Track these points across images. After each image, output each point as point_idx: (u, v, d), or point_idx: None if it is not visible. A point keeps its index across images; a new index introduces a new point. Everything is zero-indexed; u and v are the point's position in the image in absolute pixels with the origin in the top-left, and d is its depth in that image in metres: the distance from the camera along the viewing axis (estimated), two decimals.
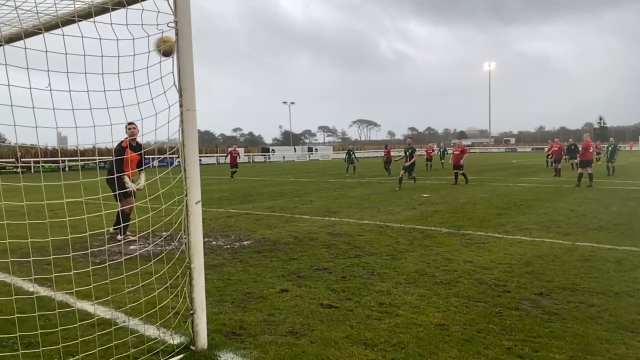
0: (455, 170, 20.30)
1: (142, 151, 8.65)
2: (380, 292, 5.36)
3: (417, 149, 20.19)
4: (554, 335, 4.12)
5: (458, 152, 20.73)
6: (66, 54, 3.26)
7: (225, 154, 33.51)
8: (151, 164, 9.23)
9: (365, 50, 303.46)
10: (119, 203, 8.22)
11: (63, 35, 3.31)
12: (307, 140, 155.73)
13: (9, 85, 3.13)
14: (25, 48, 3.19)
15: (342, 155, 77.78)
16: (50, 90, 3.25)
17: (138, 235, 8.42)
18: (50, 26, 3.81)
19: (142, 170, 8.68)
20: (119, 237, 8.49)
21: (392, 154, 28.72)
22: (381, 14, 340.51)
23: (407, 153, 19.33)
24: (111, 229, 8.68)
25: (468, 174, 21.08)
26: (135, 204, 8.12)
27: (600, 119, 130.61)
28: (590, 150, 18.53)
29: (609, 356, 3.72)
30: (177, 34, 3.67)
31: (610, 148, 24.22)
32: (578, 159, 18.27)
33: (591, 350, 3.83)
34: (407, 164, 19.02)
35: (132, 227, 8.74)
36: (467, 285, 5.60)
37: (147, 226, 8.43)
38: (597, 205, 12.62)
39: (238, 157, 28.74)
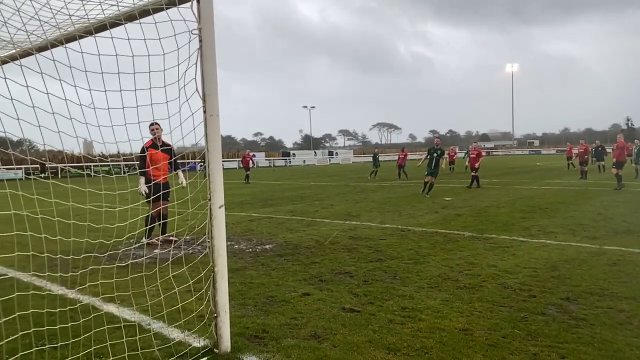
0: (472, 173, 20.12)
1: (174, 151, 8.69)
2: (403, 297, 5.32)
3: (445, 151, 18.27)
4: (582, 341, 4.04)
5: (474, 156, 20.57)
6: (101, 54, 3.35)
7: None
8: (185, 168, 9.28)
9: (384, 53, 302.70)
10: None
11: (97, 41, 3.40)
12: (327, 144, 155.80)
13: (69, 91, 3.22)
14: (82, 52, 3.28)
15: (362, 158, 77.82)
16: (94, 108, 3.35)
17: (162, 238, 8.52)
18: (71, 37, 3.92)
19: (179, 170, 8.79)
20: (143, 239, 8.61)
21: (408, 157, 28.69)
22: (399, 17, 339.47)
23: (435, 155, 17.04)
24: (159, 239, 8.68)
25: (490, 176, 20.85)
26: (164, 204, 8.18)
27: (628, 119, 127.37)
28: (625, 152, 18.20)
29: None
30: (200, 41, 3.73)
31: (636, 150, 23.68)
32: (613, 159, 17.86)
33: (620, 356, 3.74)
34: (443, 168, 17.88)
35: (157, 230, 8.85)
36: (491, 289, 5.52)
37: (171, 230, 8.56)
38: (625, 208, 12.33)
39: (251, 161, 29.25)
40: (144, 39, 3.57)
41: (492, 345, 3.97)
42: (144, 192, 8.21)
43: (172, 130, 3.87)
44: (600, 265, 6.47)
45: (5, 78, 3.26)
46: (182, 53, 3.75)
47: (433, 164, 16.92)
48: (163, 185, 8.36)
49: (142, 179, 8.39)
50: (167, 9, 3.65)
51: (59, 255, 4.02)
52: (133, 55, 3.54)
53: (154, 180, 8.36)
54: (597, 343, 3.98)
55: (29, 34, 3.76)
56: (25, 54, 4.00)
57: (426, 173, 17.01)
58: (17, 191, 3.42)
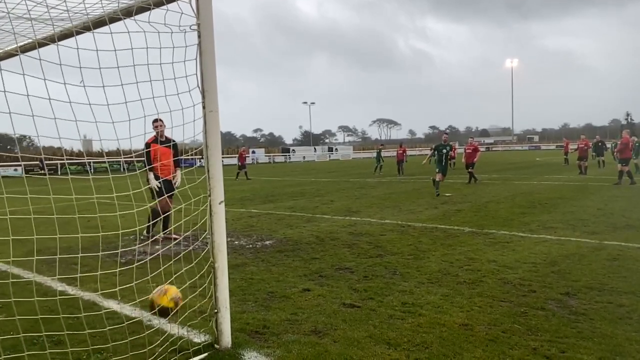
0: (467, 170, 20.01)
1: (176, 146, 8.65)
2: (403, 292, 5.33)
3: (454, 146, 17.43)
4: (582, 335, 4.05)
5: (470, 151, 20.49)
6: (108, 48, 3.34)
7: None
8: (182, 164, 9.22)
9: (383, 49, 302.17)
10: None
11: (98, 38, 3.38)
12: (327, 140, 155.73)
13: (65, 84, 3.21)
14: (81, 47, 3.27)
15: (362, 154, 77.85)
16: (84, 86, 3.33)
17: (164, 235, 8.53)
18: (73, 32, 3.90)
19: (178, 167, 8.76)
20: (144, 233, 8.63)
21: (407, 153, 28.86)
22: (398, 12, 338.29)
23: (444, 151, 15.98)
24: (144, 232, 8.74)
25: (490, 172, 20.85)
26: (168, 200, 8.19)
27: (628, 115, 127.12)
28: (630, 148, 18.01)
29: (638, 357, 3.64)
30: (199, 37, 3.72)
31: (636, 146, 23.63)
32: (617, 156, 17.78)
33: (620, 351, 3.74)
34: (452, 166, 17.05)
35: (158, 227, 8.85)
36: (491, 284, 5.53)
37: (172, 226, 8.55)
38: (625, 203, 12.33)
39: (245, 158, 29.21)
40: (145, 37, 3.56)
41: (492, 340, 3.98)
42: (156, 187, 8.20)
43: (173, 126, 3.87)
44: (600, 260, 6.48)
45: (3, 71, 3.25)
46: (182, 50, 3.74)
47: (444, 161, 15.93)
48: (168, 181, 8.36)
49: (151, 175, 8.37)
50: (167, 2, 3.64)
51: (60, 253, 4.02)
52: (132, 49, 3.52)
53: (157, 177, 8.38)
54: (597, 337, 3.99)
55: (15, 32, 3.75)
56: (27, 49, 3.99)
57: (437, 170, 15.78)
58: (16, 188, 3.42)
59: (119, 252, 4.61)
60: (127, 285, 4.45)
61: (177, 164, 8.95)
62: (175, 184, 8.46)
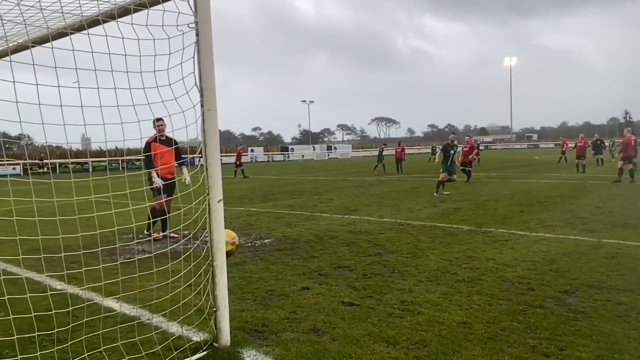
0: (462, 167, 19.92)
1: (177, 145, 8.63)
2: (402, 290, 5.33)
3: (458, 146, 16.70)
4: (580, 333, 4.05)
5: (467, 149, 20.49)
6: (97, 50, 3.33)
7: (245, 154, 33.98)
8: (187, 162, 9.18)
9: (382, 48, 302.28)
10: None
11: (96, 34, 3.37)
12: (326, 139, 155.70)
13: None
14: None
15: (361, 153, 77.88)
16: (79, 87, 3.32)
17: (162, 234, 8.52)
18: (74, 29, 3.90)
19: (182, 165, 8.74)
20: (144, 232, 8.61)
21: (406, 151, 28.93)
22: (397, 10, 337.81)
23: (452, 152, 15.94)
24: (145, 232, 8.73)
25: (489, 170, 20.82)
26: (167, 199, 8.17)
27: (626, 113, 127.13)
28: (630, 146, 17.91)
29: (637, 355, 3.64)
30: (197, 35, 3.71)
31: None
32: (620, 154, 17.74)
33: (619, 349, 3.75)
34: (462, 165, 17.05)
35: (157, 225, 8.85)
36: (489, 283, 5.53)
37: (171, 225, 8.56)
38: (623, 201, 12.34)
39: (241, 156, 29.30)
40: (138, 38, 3.55)
41: (490, 338, 3.99)
42: (160, 185, 8.19)
43: (174, 128, 3.86)
44: (598, 258, 6.49)
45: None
46: (180, 49, 3.73)
47: (449, 162, 15.93)
48: (167, 180, 8.35)
49: (154, 173, 8.36)
50: (163, 2, 3.63)
51: (59, 252, 4.01)
52: (125, 54, 3.51)
53: (158, 175, 8.37)
54: (596, 335, 4.00)
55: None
56: (21, 48, 3.98)
57: (442, 170, 15.78)
58: (15, 187, 3.41)
59: (117, 250, 4.60)
60: (126, 284, 4.46)
61: (181, 162, 8.94)
62: (185, 181, 8.45)
